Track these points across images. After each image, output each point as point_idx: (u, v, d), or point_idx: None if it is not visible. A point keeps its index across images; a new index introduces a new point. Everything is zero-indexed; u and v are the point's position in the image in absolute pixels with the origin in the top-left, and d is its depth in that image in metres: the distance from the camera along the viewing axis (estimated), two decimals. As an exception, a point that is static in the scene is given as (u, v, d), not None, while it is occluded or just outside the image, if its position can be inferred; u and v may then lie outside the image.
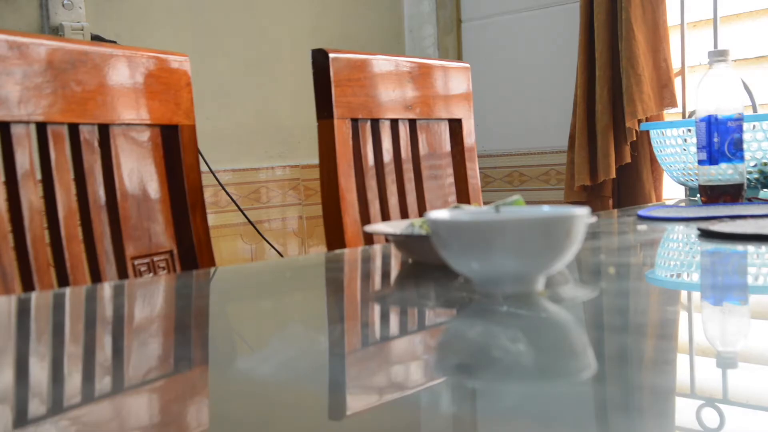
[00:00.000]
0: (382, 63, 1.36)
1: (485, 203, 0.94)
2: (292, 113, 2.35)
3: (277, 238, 2.31)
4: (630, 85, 2.21)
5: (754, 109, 1.74)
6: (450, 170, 1.49)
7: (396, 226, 0.87)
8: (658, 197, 2.34)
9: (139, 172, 1.12)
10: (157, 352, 0.53)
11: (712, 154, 1.32)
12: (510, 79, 2.69)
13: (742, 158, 1.32)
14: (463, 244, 0.59)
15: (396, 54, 1.63)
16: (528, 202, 0.80)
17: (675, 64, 2.27)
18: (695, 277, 0.77)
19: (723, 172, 1.32)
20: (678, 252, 0.95)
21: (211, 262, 1.20)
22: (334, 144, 1.26)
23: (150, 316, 0.64)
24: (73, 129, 1.04)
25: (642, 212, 1.22)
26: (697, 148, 1.35)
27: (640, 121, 2.21)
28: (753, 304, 0.62)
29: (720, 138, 1.31)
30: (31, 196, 1.00)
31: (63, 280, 1.03)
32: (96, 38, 1.94)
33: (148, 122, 1.13)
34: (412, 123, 1.42)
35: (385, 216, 1.34)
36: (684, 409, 0.37)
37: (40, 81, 0.98)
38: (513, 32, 2.69)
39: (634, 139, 2.28)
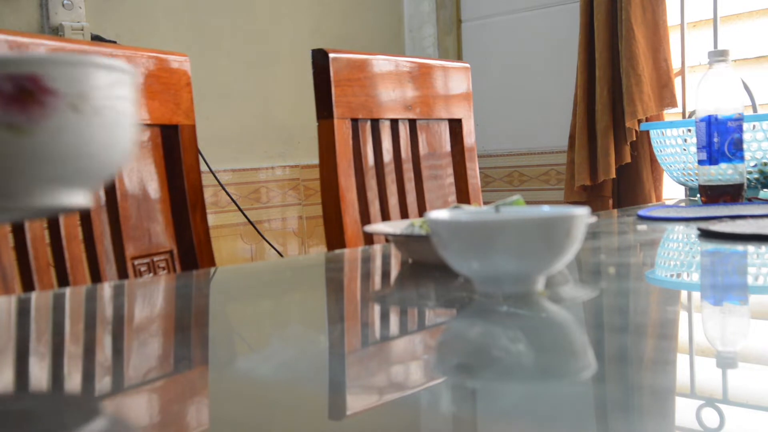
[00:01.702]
0: (382, 63, 1.36)
1: (485, 203, 0.94)
2: (292, 113, 2.35)
3: (277, 238, 2.32)
4: (630, 85, 2.21)
5: (754, 109, 1.74)
6: (450, 170, 1.49)
7: (396, 226, 0.87)
8: (658, 197, 2.34)
9: (139, 172, 1.12)
10: (156, 352, 0.53)
11: (712, 154, 1.32)
12: (510, 79, 2.69)
13: (742, 158, 1.32)
14: (463, 244, 0.59)
15: (396, 54, 1.63)
16: (528, 202, 0.80)
17: (675, 64, 2.27)
18: (695, 277, 0.77)
19: (723, 172, 1.32)
20: (678, 252, 0.95)
21: (211, 262, 1.20)
22: (334, 144, 1.26)
23: (150, 316, 0.64)
24: (73, 129, 1.04)
25: (642, 212, 1.22)
26: (697, 148, 1.35)
27: (640, 121, 2.21)
28: (753, 304, 0.62)
29: (720, 138, 1.31)
30: (31, 196, 0.99)
31: (63, 280, 1.03)
32: (96, 38, 1.94)
33: (148, 122, 1.13)
34: (412, 123, 1.42)
35: (385, 216, 1.34)
36: (684, 409, 0.37)
37: (40, 81, 0.98)
38: (513, 32, 2.69)
39: (634, 139, 2.28)
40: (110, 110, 0.53)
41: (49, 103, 0.51)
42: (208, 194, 2.09)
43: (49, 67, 0.51)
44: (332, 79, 1.26)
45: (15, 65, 0.50)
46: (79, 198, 0.56)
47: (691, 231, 1.02)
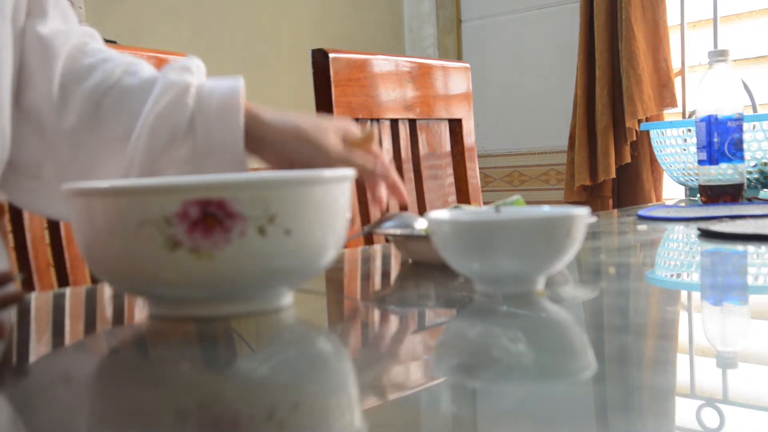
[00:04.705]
0: (382, 63, 1.36)
1: (485, 203, 0.94)
2: (292, 113, 2.34)
3: (277, 238, 2.31)
4: (630, 85, 2.21)
5: (754, 109, 1.74)
6: (450, 170, 1.49)
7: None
8: (658, 197, 2.34)
9: (139, 172, 1.12)
10: (156, 351, 0.53)
11: (712, 154, 1.32)
12: (510, 79, 2.69)
13: (742, 158, 1.32)
14: (463, 244, 0.59)
15: (396, 54, 1.63)
16: (528, 202, 0.80)
17: (675, 64, 2.27)
18: (695, 277, 0.77)
19: (723, 172, 1.32)
20: (678, 252, 0.95)
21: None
22: (334, 144, 1.25)
23: (150, 316, 0.64)
24: (73, 129, 1.04)
25: (642, 212, 1.22)
26: (697, 148, 1.35)
27: (640, 121, 2.21)
28: (753, 304, 0.62)
29: (720, 138, 1.31)
30: (31, 196, 0.99)
31: (63, 280, 1.03)
32: (96, 38, 1.93)
33: (148, 122, 1.13)
34: (412, 123, 1.42)
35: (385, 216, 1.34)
36: (684, 409, 0.37)
37: (40, 81, 0.98)
38: (513, 32, 2.69)
39: (634, 139, 2.29)
40: (303, 228, 0.54)
41: (234, 227, 0.51)
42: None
43: (237, 191, 0.51)
44: (332, 79, 1.26)
45: (202, 190, 0.50)
46: (270, 302, 0.57)
47: (691, 231, 1.02)
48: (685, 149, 1.53)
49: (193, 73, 0.83)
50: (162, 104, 0.79)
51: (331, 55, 1.26)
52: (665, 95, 2.23)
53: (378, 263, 0.90)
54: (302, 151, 0.79)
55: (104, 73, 0.82)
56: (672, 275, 0.77)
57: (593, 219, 0.86)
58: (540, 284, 0.61)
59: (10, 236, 0.98)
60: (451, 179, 1.49)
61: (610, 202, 2.38)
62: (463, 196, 1.48)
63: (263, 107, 0.82)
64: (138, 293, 0.59)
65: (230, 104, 0.80)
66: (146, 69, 0.84)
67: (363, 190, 1.31)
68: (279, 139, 0.80)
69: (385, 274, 0.83)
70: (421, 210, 1.41)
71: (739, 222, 0.99)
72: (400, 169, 1.39)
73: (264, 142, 0.80)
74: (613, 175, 2.28)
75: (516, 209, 0.70)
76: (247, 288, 0.55)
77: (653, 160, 2.27)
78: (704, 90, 1.34)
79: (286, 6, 2.42)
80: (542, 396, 0.39)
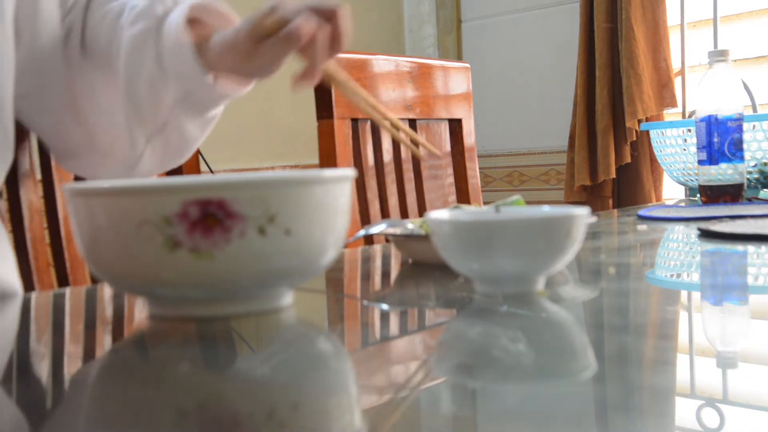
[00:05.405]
0: (382, 63, 1.36)
1: (485, 203, 0.94)
2: (292, 113, 2.35)
3: (277, 238, 2.31)
4: (630, 85, 2.21)
5: (754, 109, 1.74)
6: (450, 170, 1.49)
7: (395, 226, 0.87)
8: (658, 197, 2.34)
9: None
10: (156, 351, 0.53)
11: (712, 154, 1.32)
12: (510, 79, 2.69)
13: (742, 158, 1.32)
14: (463, 244, 0.59)
15: (396, 54, 1.63)
16: (528, 202, 0.80)
17: (675, 64, 2.27)
18: (695, 277, 0.77)
19: (723, 172, 1.32)
20: (678, 252, 0.95)
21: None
22: (334, 144, 1.26)
23: (150, 316, 0.64)
24: (73, 129, 1.04)
25: (642, 212, 1.22)
26: (697, 148, 1.35)
27: (640, 121, 2.21)
28: (753, 304, 0.62)
29: (720, 138, 1.31)
30: (31, 196, 1.00)
31: (63, 280, 1.03)
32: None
33: (148, 122, 1.13)
34: (412, 123, 1.42)
35: (385, 216, 1.34)
36: (684, 409, 0.37)
37: (40, 81, 0.98)
38: (513, 32, 2.69)
39: (634, 139, 2.29)
40: (303, 228, 0.53)
41: (234, 227, 0.51)
42: (208, 194, 2.09)
43: (237, 191, 0.51)
44: (332, 79, 1.26)
45: (202, 190, 0.50)
46: (270, 302, 0.57)
47: (691, 231, 1.02)
48: (685, 149, 1.53)
49: (166, 2, 0.82)
50: (131, 55, 0.81)
51: (331, 55, 1.26)
52: (665, 95, 2.23)
53: (378, 263, 0.90)
54: (241, 65, 0.82)
55: (107, 34, 0.84)
56: (672, 275, 0.77)
57: (593, 219, 0.86)
58: (540, 284, 0.61)
59: (10, 236, 0.98)
60: (451, 179, 1.49)
61: (610, 202, 2.38)
62: (463, 196, 1.48)
63: (215, 28, 0.81)
64: (138, 293, 0.59)
65: (181, 42, 0.79)
66: (139, 16, 0.83)
67: (363, 189, 1.31)
68: (223, 64, 0.81)
69: (385, 274, 0.83)
70: (421, 210, 1.41)
71: (739, 222, 0.99)
72: (400, 169, 1.39)
73: (217, 67, 0.81)
74: (613, 175, 2.28)
75: (516, 209, 0.70)
76: (247, 288, 0.55)
77: (653, 160, 2.27)
78: (704, 90, 1.34)
79: (286, 6, 2.42)
80: (542, 396, 0.39)
